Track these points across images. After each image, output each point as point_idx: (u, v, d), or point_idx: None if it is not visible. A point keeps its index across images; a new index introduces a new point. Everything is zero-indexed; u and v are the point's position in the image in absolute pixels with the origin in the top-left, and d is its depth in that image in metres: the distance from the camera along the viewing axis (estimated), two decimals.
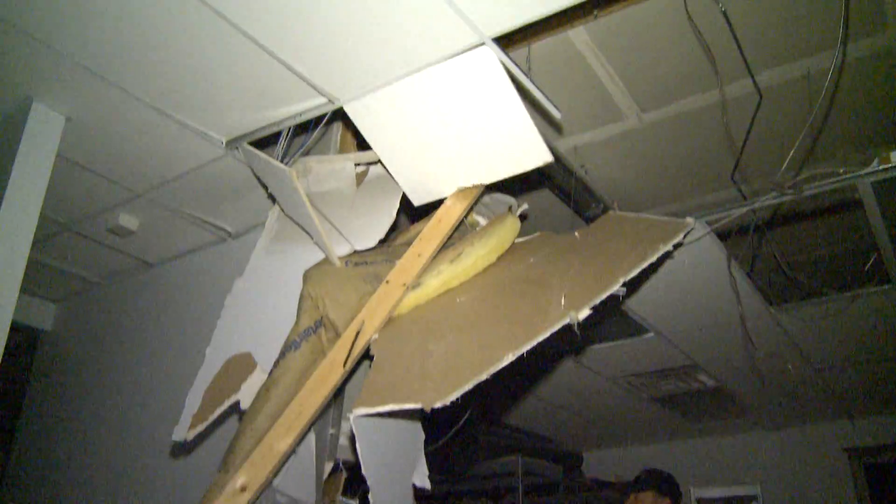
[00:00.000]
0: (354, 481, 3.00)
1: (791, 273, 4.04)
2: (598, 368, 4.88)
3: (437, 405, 2.30)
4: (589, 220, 3.69)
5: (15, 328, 4.73)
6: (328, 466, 2.97)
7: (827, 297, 4.00)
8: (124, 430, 3.88)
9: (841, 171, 2.91)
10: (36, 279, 4.40)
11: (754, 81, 3.08)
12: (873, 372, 5.17)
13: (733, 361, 4.83)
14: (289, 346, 2.70)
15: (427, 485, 2.56)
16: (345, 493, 2.97)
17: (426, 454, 2.74)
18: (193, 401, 2.99)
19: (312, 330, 2.72)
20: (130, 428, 3.84)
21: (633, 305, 3.88)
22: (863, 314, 4.16)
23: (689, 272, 3.54)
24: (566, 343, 4.40)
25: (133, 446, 3.78)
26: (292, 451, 2.60)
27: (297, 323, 2.76)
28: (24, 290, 4.59)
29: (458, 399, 2.34)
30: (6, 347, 3.01)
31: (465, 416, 3.18)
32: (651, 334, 4.28)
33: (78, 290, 4.63)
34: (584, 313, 2.47)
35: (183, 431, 2.93)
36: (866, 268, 3.79)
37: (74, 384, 4.40)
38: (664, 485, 3.54)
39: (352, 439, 2.63)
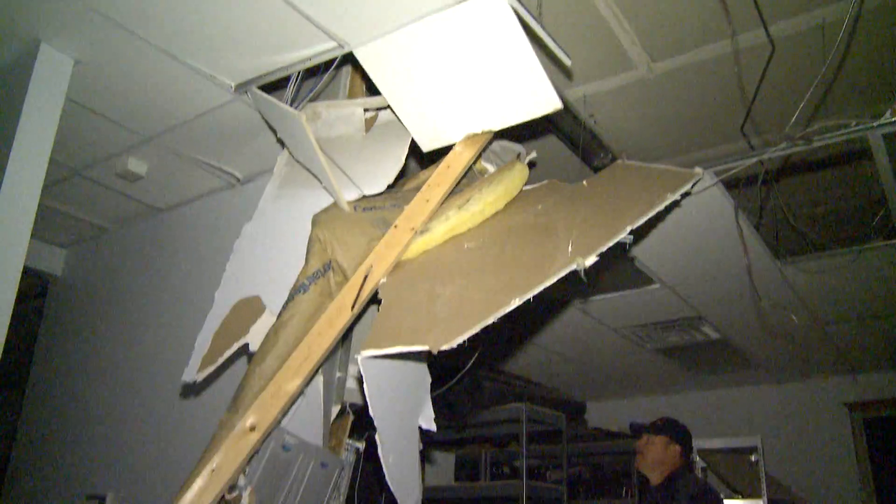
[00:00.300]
0: (361, 424, 3.06)
1: (798, 226, 4.04)
2: (603, 319, 4.92)
3: (445, 347, 2.33)
4: (597, 170, 3.68)
5: (26, 273, 4.79)
6: (335, 409, 3.02)
7: (833, 251, 4.01)
8: (135, 373, 3.94)
9: (852, 122, 2.90)
10: (46, 224, 4.42)
11: (767, 32, 3.04)
12: (877, 327, 5.20)
13: (738, 314, 4.86)
14: (297, 289, 2.72)
15: (433, 427, 2.60)
16: (352, 436, 3.02)
17: (432, 399, 2.78)
18: (203, 343, 3.03)
19: (321, 273, 2.75)
20: (141, 370, 3.89)
21: (640, 255, 3.90)
22: (869, 269, 4.17)
23: (697, 223, 3.55)
24: (572, 291, 4.42)
25: (144, 388, 3.84)
26: (300, 393, 2.64)
27: (305, 266, 2.78)
28: (34, 235, 4.60)
29: (464, 344, 2.37)
30: (18, 292, 3.05)
31: (471, 362, 3.21)
32: (656, 285, 4.30)
33: (87, 235, 4.66)
34: (591, 260, 2.49)
35: (192, 373, 2.98)
36: (874, 222, 3.79)
37: (85, 329, 4.45)
38: (678, 434, 3.58)
39: (360, 382, 2.67)
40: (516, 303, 2.41)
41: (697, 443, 5.51)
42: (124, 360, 4.03)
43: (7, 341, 2.97)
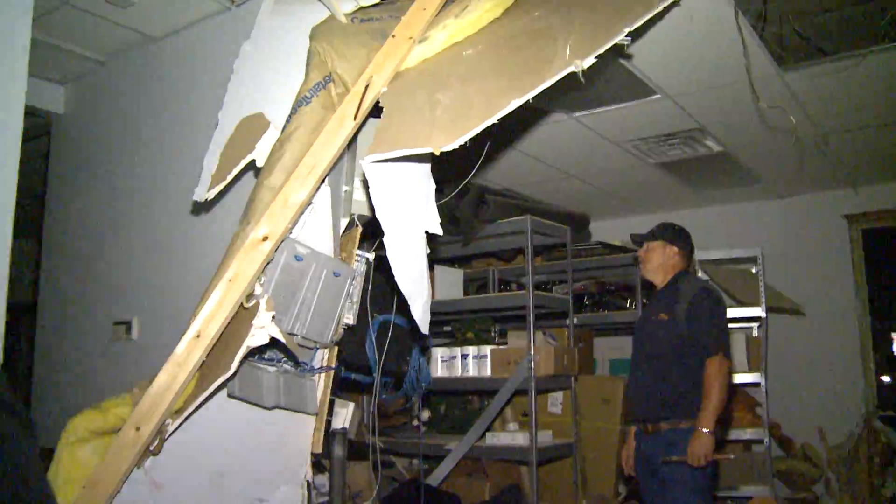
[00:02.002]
0: (370, 236, 3.16)
1: (801, 30, 3.97)
2: (605, 132, 4.92)
3: (446, 148, 2.38)
4: None
5: (28, 113, 4.79)
6: (344, 222, 3.11)
7: (837, 55, 3.95)
8: (147, 200, 4.02)
9: None
10: (42, 61, 4.38)
11: None
12: (879, 137, 5.19)
13: (740, 126, 4.87)
14: (300, 102, 2.75)
15: (439, 231, 2.68)
16: (361, 247, 3.12)
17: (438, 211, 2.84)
18: (211, 163, 3.09)
19: (322, 85, 2.76)
20: (152, 196, 3.98)
21: (640, 64, 3.86)
22: (873, 75, 4.12)
23: (697, 27, 3.50)
24: (572, 103, 4.41)
25: (157, 213, 3.94)
26: (308, 203, 2.71)
27: (306, 79, 2.79)
28: (32, 73, 4.59)
29: (467, 147, 2.42)
30: (23, 132, 3.08)
31: (474, 170, 3.27)
32: (657, 95, 4.28)
33: (85, 70, 4.62)
34: (589, 61, 2.49)
35: (203, 192, 3.05)
36: (882, 23, 3.71)
37: (92, 163, 4.50)
38: (674, 235, 3.68)
39: (367, 192, 2.73)
40: (515, 104, 2.44)
41: (699, 254, 5.66)
42: (135, 188, 4.11)
43: (19, 187, 3.04)
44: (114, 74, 4.51)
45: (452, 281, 4.98)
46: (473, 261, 5.74)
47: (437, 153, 2.39)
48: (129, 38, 4.18)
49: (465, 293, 5.17)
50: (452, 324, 5.50)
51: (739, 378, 5.33)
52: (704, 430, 3.25)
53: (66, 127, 4.81)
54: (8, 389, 1.08)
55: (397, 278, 2.57)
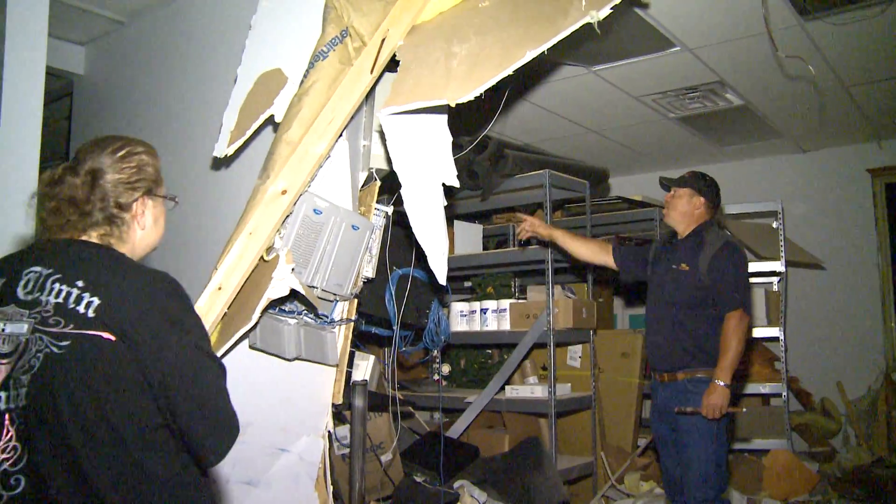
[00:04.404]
0: (388, 190, 3.18)
1: None
2: (625, 86, 4.89)
3: (461, 100, 2.39)
4: None
5: (49, 74, 4.83)
6: (363, 176, 3.14)
7: (860, 3, 3.89)
8: (170, 157, 4.03)
9: None
10: (62, 21, 4.40)
11: None
12: None
13: (760, 78, 4.82)
14: (317, 56, 2.76)
15: (456, 183, 2.69)
16: (380, 202, 3.15)
17: (456, 165, 2.84)
18: (230, 119, 3.12)
19: (339, 39, 2.77)
20: (175, 154, 4.00)
21: (658, 16, 3.83)
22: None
23: None
24: (593, 56, 4.38)
25: (180, 170, 3.96)
26: (327, 157, 2.74)
27: (322, 33, 2.81)
28: (52, 33, 4.62)
29: (482, 99, 2.42)
30: (45, 93, 3.12)
31: (492, 123, 3.27)
32: (677, 48, 4.24)
33: (105, 30, 4.64)
34: (605, 12, 2.48)
35: (223, 147, 3.09)
36: None
37: (114, 122, 4.54)
38: (703, 185, 3.63)
39: (385, 145, 2.76)
40: (532, 55, 2.44)
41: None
42: (157, 146, 4.14)
43: (42, 148, 3.09)
44: (134, 34, 4.53)
45: (472, 236, 5.00)
46: (494, 216, 5.75)
47: (453, 105, 2.40)
48: None
49: (485, 249, 5.19)
50: (472, 279, 5.54)
51: (759, 332, 5.34)
52: (721, 382, 3.27)
53: (87, 88, 4.85)
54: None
55: (415, 230, 2.60)
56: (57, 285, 1.55)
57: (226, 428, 1.60)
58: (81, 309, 1.51)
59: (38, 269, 1.60)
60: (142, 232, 1.75)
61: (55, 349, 1.51)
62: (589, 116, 5.56)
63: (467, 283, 5.73)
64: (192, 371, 1.55)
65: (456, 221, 4.93)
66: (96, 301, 1.52)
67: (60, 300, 1.53)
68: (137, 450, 1.52)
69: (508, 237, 5.75)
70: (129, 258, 1.68)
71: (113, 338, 1.50)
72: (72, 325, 1.51)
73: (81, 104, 4.90)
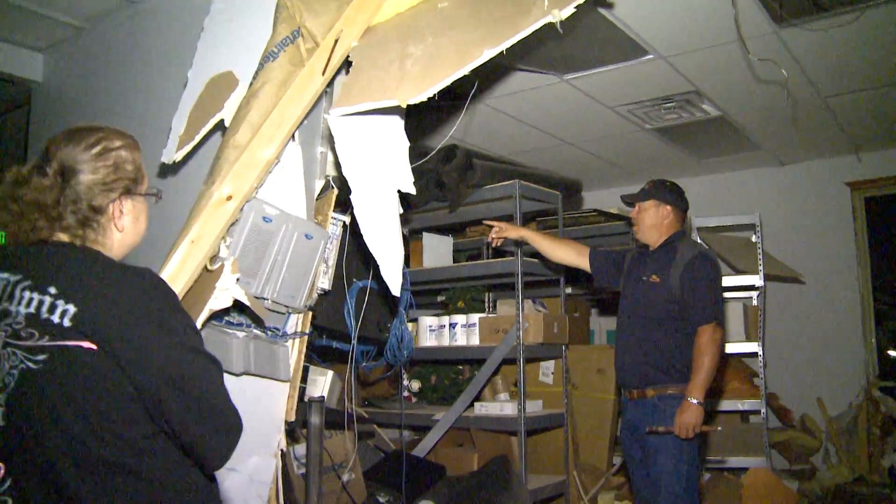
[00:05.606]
0: (346, 199, 3.05)
1: None
2: (598, 96, 4.79)
3: (413, 101, 2.28)
4: None
5: (7, 81, 4.68)
6: (319, 184, 3.01)
7: (834, 10, 3.81)
8: None
9: None
10: (19, 27, 4.28)
11: None
12: (883, 100, 5.04)
13: (737, 88, 4.74)
14: (266, 58, 2.64)
15: (412, 190, 2.57)
16: (337, 210, 3.02)
17: (415, 171, 2.73)
18: (179, 123, 2.99)
19: (290, 40, 2.65)
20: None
21: (630, 21, 3.73)
22: (874, 31, 3.97)
23: None
24: (562, 65, 4.28)
25: None
26: (276, 162, 2.61)
27: (273, 34, 2.68)
28: (9, 39, 4.50)
29: (440, 105, 2.31)
30: (4, 102, 2.97)
31: (453, 130, 3.16)
32: (650, 55, 4.15)
33: (63, 37, 4.51)
34: (568, 11, 2.38)
35: (171, 153, 2.96)
36: None
37: None
38: (666, 194, 3.53)
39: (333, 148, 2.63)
40: (489, 54, 2.33)
41: (696, 222, 5.55)
42: None
43: (0, 158, 2.95)
44: (94, 40, 4.39)
45: (441, 248, 4.88)
46: (467, 229, 5.63)
47: (404, 106, 2.29)
48: (107, 2, 4.06)
49: (456, 262, 5.06)
50: (444, 293, 5.41)
51: (737, 348, 5.23)
52: (693, 400, 3.15)
53: (45, 96, 4.70)
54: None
55: (366, 237, 2.48)
56: (27, 293, 1.43)
57: (225, 427, 1.50)
58: (56, 318, 1.39)
59: (4, 275, 1.47)
60: (120, 234, 1.62)
61: (31, 364, 1.39)
62: (563, 128, 5.46)
63: (440, 298, 5.60)
64: (183, 373, 1.44)
65: (424, 233, 4.81)
66: (72, 308, 1.39)
67: (32, 310, 1.41)
68: (132, 460, 1.41)
69: (483, 251, 5.64)
70: (105, 257, 1.54)
71: (94, 347, 1.38)
72: (47, 338, 1.39)
73: (40, 112, 4.75)
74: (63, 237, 1.53)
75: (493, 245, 3.82)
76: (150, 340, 1.41)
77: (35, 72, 4.71)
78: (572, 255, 3.80)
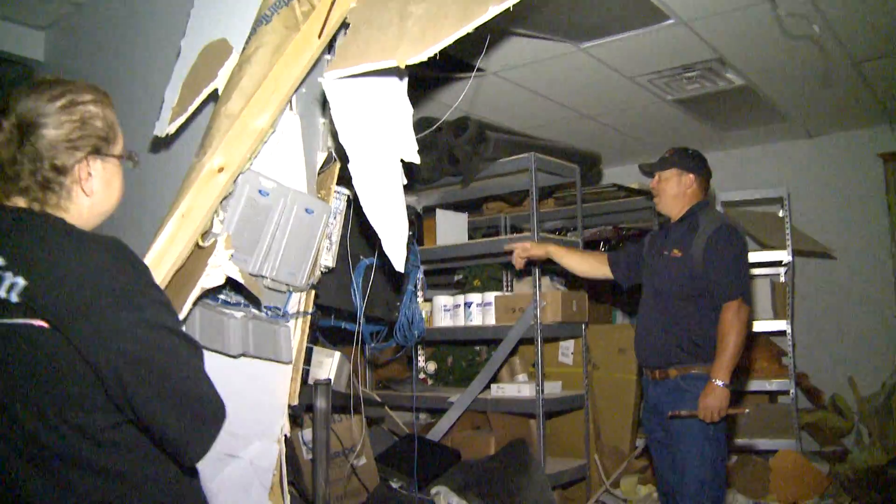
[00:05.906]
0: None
1: None
2: (617, 65, 4.59)
3: (412, 61, 2.13)
4: None
5: (8, 59, 4.58)
6: (321, 156, 2.87)
7: None
8: (137, 143, 3.79)
9: None
10: (19, 5, 4.17)
11: None
12: None
13: (764, 55, 4.52)
14: (259, 21, 2.50)
15: (416, 159, 2.42)
16: (340, 184, 2.88)
17: (420, 140, 2.57)
18: (172, 94, 2.86)
19: (284, 2, 2.51)
20: (147, 138, 3.75)
21: None
22: None
23: None
24: (579, 31, 4.08)
25: (143, 157, 3.70)
26: (270, 132, 2.47)
27: None
28: (10, 18, 4.39)
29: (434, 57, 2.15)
30: (5, 81, 2.85)
31: (460, 98, 3.00)
32: (671, 20, 3.95)
33: (65, 14, 4.39)
34: None
35: (164, 125, 2.83)
36: None
37: None
38: (688, 162, 3.34)
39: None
40: (494, 11, 2.17)
41: (721, 196, 5.36)
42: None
43: None
44: (93, 16, 4.27)
45: (456, 225, 4.71)
46: (484, 206, 5.47)
47: (403, 66, 2.14)
48: None
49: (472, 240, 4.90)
50: (460, 271, 5.26)
51: (764, 326, 5.06)
52: (718, 382, 2.97)
53: (48, 73, 4.60)
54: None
55: (366, 209, 2.33)
56: None
57: (201, 416, 1.32)
58: (3, 293, 1.25)
59: None
60: (89, 199, 1.44)
61: None
62: (580, 99, 5.27)
63: (457, 277, 5.46)
64: (150, 354, 1.27)
65: (438, 210, 4.64)
66: (21, 282, 1.24)
67: None
68: (91, 454, 1.26)
69: (500, 228, 5.48)
70: (65, 224, 1.37)
71: (45, 325, 1.23)
72: None
73: None
74: (20, 201, 1.38)
75: (518, 268, 3.67)
76: (109, 317, 1.25)
77: (37, 51, 4.61)
78: (597, 267, 3.65)
